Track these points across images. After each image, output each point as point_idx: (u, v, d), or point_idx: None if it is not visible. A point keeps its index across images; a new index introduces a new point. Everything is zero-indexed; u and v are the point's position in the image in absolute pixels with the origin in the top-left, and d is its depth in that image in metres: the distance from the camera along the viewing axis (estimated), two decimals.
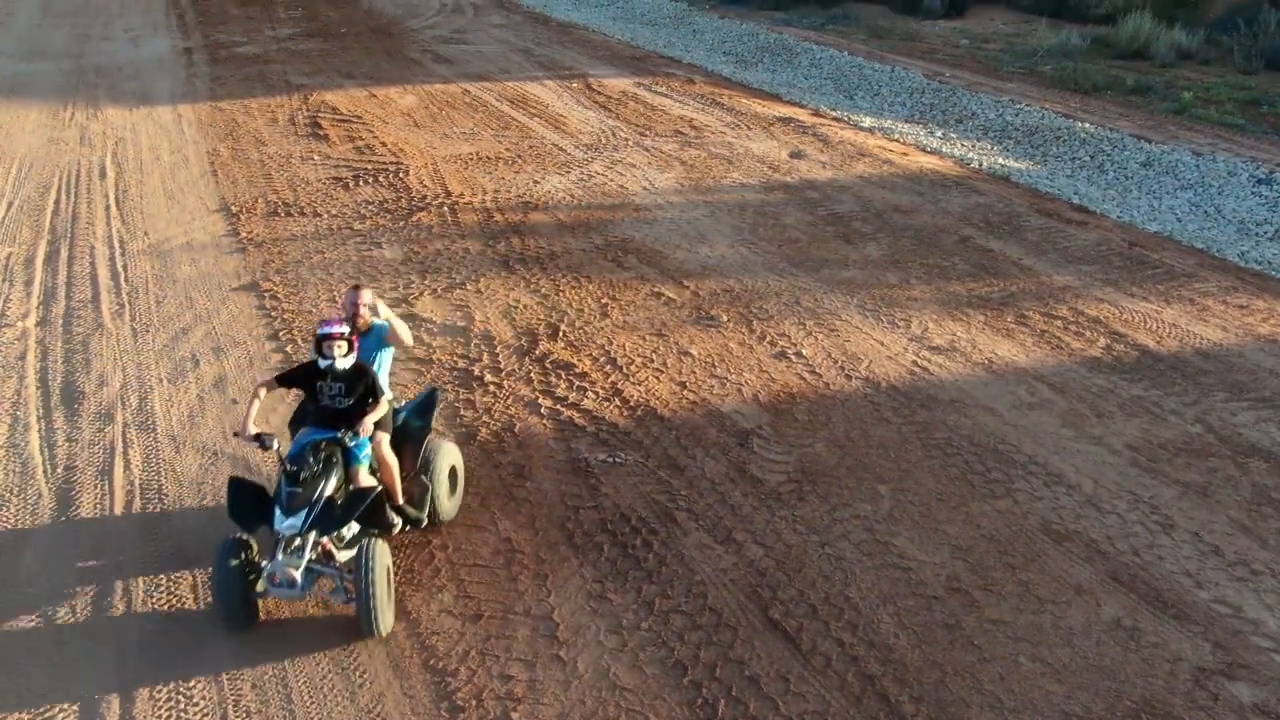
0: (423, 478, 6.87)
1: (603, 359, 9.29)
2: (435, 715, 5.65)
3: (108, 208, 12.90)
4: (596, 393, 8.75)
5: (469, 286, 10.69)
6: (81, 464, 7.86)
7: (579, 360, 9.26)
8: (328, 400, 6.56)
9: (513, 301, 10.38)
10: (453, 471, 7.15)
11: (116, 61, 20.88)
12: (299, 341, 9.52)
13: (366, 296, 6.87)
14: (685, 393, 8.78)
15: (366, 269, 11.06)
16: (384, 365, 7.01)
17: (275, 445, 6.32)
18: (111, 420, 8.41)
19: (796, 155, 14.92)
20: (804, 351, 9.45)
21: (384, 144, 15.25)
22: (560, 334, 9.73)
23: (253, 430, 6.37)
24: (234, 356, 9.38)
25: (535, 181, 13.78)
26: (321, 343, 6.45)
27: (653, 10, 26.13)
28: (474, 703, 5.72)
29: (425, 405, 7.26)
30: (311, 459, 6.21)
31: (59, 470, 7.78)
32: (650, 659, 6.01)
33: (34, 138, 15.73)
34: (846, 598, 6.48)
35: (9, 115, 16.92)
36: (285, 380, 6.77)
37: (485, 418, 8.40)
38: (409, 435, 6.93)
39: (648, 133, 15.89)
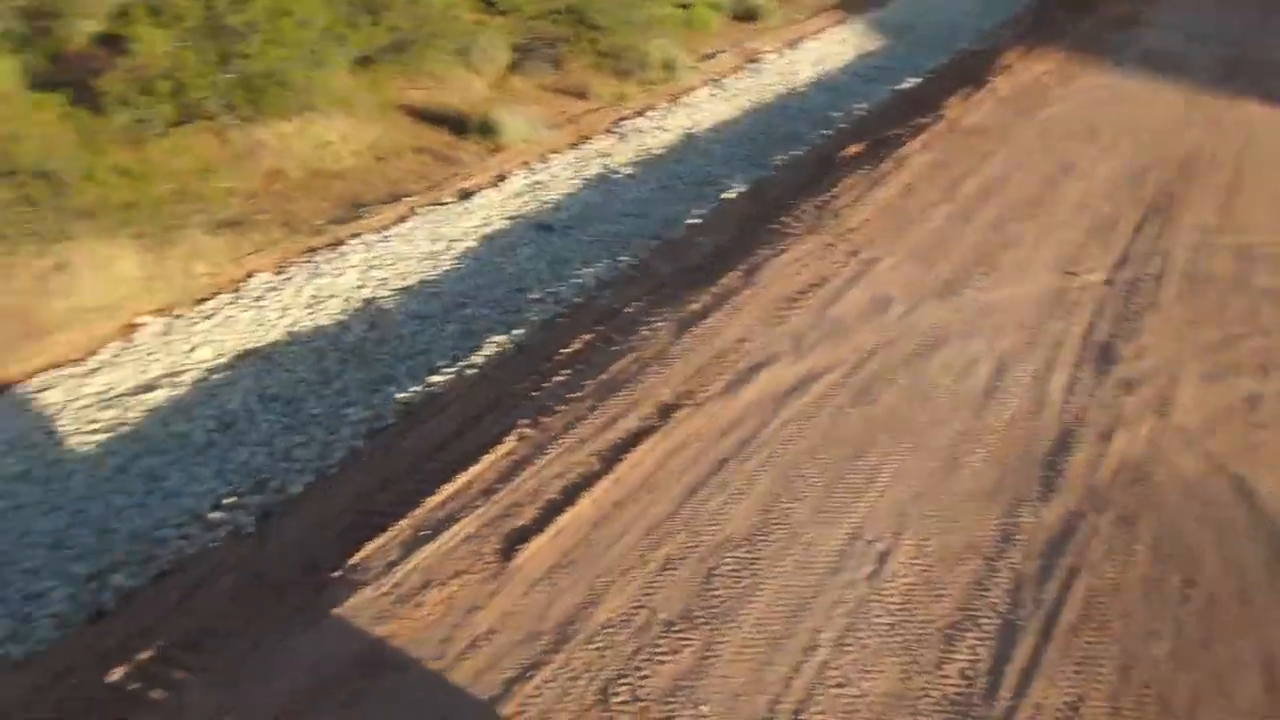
0: None
1: None
2: None
3: (1208, 196, 12.69)
4: None
5: None
6: (1089, 420, 8.12)
7: None
8: None
9: None
10: None
11: (1277, 58, 20.01)
12: None
13: None
14: None
15: None
16: None
17: None
18: (1135, 392, 8.47)
19: None
20: None
21: None
22: None
23: None
24: (1278, 383, 8.64)
25: None
26: None
27: None
28: None
29: None
30: None
31: (1067, 417, 8.15)
32: None
33: (1164, 115, 16.05)
34: None
35: (1147, 89, 17.49)
36: None
37: None
38: None
39: None
